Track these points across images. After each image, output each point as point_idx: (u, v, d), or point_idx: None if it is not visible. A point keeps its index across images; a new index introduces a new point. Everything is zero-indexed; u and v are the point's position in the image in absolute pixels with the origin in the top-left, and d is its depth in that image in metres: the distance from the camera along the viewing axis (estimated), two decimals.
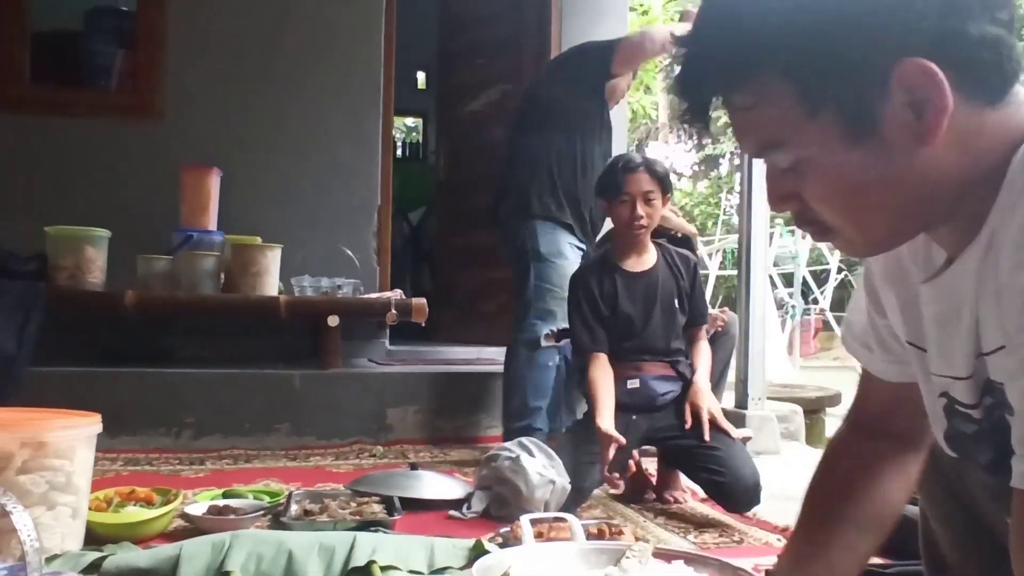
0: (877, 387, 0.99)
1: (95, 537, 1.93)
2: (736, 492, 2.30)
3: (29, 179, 3.86)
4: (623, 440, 2.28)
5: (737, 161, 18.07)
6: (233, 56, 4.16)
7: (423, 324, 3.86)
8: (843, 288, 10.20)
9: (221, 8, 4.17)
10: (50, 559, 1.67)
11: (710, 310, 2.85)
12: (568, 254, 3.23)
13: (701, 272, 2.82)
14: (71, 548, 1.84)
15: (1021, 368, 0.62)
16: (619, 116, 5.17)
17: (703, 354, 2.63)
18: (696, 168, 19.16)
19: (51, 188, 3.84)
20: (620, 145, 5.20)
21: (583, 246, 3.33)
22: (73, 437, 1.85)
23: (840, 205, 0.74)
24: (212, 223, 3.74)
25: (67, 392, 2.58)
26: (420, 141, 9.03)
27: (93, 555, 1.78)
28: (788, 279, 8.80)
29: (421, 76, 8.19)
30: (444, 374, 3.84)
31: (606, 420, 2.33)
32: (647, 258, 2.64)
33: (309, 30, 4.25)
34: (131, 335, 3.62)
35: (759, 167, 3.66)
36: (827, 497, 1.03)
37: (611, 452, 2.25)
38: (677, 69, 0.77)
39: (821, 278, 9.13)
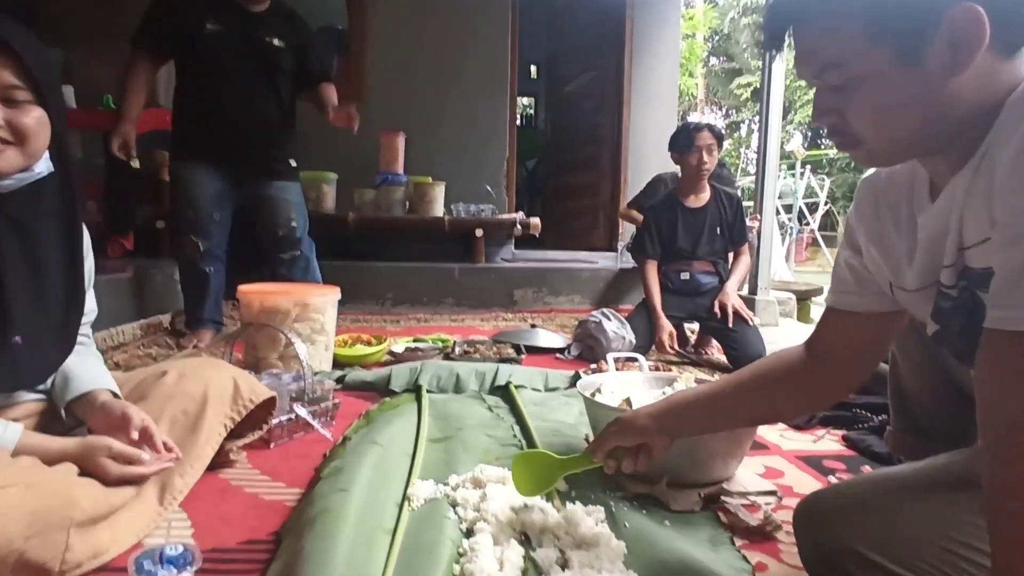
0: (837, 321, 0.88)
1: (338, 363, 2.08)
2: (746, 363, 2.23)
3: None
4: (671, 328, 2.38)
5: (753, 127, 16.94)
6: (412, 59, 4.11)
7: (536, 235, 3.86)
8: (828, 216, 9.54)
9: (403, 28, 4.11)
10: (316, 374, 1.81)
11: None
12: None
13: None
14: (325, 369, 1.99)
15: (1004, 241, 0.56)
16: (669, 92, 4.91)
17: (740, 265, 2.53)
18: (723, 130, 18.00)
19: (301, 148, 3.97)
20: (671, 115, 4.94)
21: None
22: (324, 300, 1.98)
23: (876, 118, 0.65)
24: (400, 169, 3.80)
25: None
26: (532, 114, 8.85)
27: (338, 372, 1.93)
28: (788, 208, 8.29)
29: (533, 69, 8.00)
30: (550, 268, 3.84)
31: (660, 310, 2.41)
32: (703, 196, 2.52)
33: (461, 41, 4.15)
34: (352, 241, 3.77)
35: (772, 129, 3.43)
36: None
37: (665, 335, 2.35)
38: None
39: (811, 208, 8.54)
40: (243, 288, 1.98)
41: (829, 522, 0.77)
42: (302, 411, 1.41)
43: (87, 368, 1.07)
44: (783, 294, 3.77)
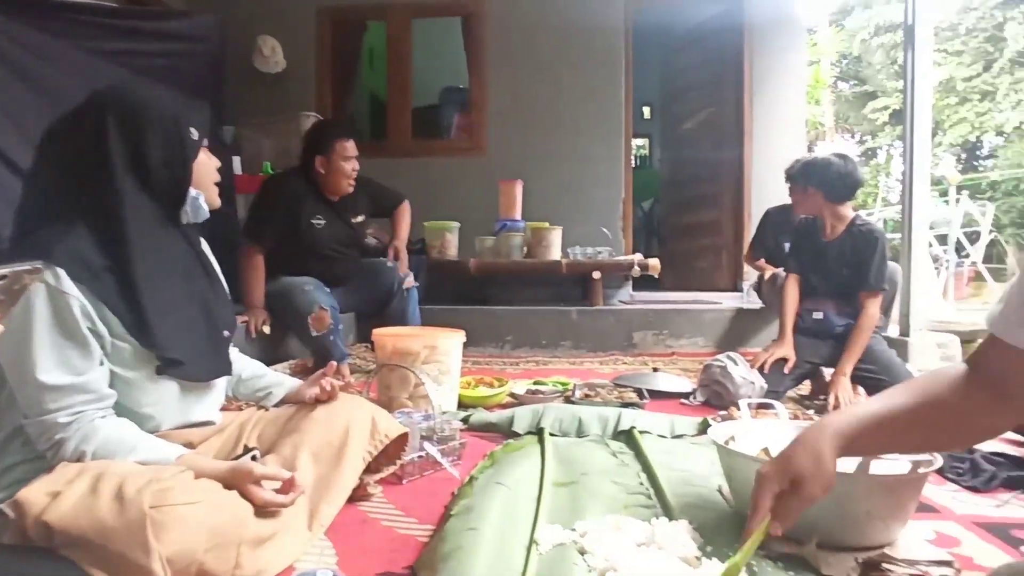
0: (1003, 353, 0.76)
1: (462, 404, 2.13)
2: None
3: (414, 195, 4.25)
4: (792, 352, 2.24)
5: (892, 152, 15.56)
6: (527, 110, 4.29)
7: (656, 277, 3.79)
8: (993, 246, 8.43)
9: (519, 81, 4.31)
10: (442, 413, 1.88)
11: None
12: None
13: None
14: (451, 409, 2.06)
15: None
16: (795, 123, 4.67)
17: (858, 331, 2.14)
18: (857, 158, 16.69)
19: (426, 199, 4.20)
20: (798, 146, 4.70)
21: None
22: (451, 343, 2.06)
23: None
24: (518, 215, 3.91)
25: (442, 319, 2.84)
26: (647, 155, 8.83)
27: (463, 413, 1.98)
28: (942, 239, 7.46)
29: (646, 110, 8.04)
30: (670, 309, 3.72)
31: (789, 327, 2.31)
32: (836, 230, 2.33)
33: (575, 89, 4.27)
34: (473, 287, 3.91)
35: (920, 152, 3.14)
36: (917, 400, 0.82)
37: (771, 359, 2.24)
38: None
39: (971, 238, 7.62)
40: (378, 332, 2.12)
41: None
42: (432, 449, 1.46)
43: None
44: (944, 335, 3.35)
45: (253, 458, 1.13)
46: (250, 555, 0.92)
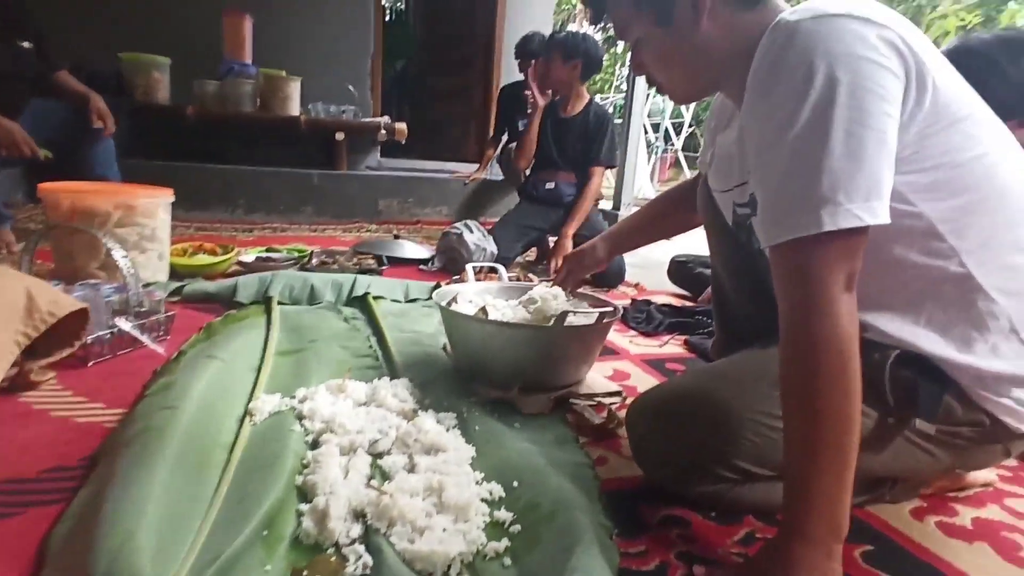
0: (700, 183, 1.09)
1: (177, 275, 1.88)
2: (607, 278, 2.27)
3: (105, 15, 3.35)
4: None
5: None
6: None
7: (402, 142, 3.67)
8: (692, 137, 10.06)
9: None
10: (146, 285, 1.62)
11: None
12: None
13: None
14: (160, 279, 1.80)
15: (754, 177, 0.68)
16: (547, 1, 4.74)
17: (583, 197, 2.42)
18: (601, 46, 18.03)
19: (122, 23, 3.35)
20: (547, 21, 4.81)
21: None
22: (154, 203, 1.75)
23: (658, 68, 0.81)
24: (248, 58, 3.37)
25: (152, 179, 2.38)
26: (403, 9, 8.20)
27: (175, 284, 1.75)
28: (656, 127, 8.63)
29: None
30: (418, 178, 3.70)
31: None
32: (576, 109, 2.49)
33: None
34: (192, 139, 3.36)
35: None
36: (651, 209, 1.24)
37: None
38: None
39: (677, 128, 8.94)
40: (46, 186, 1.68)
41: (655, 414, 0.84)
42: (125, 324, 1.26)
43: None
44: None
45: None
46: None
